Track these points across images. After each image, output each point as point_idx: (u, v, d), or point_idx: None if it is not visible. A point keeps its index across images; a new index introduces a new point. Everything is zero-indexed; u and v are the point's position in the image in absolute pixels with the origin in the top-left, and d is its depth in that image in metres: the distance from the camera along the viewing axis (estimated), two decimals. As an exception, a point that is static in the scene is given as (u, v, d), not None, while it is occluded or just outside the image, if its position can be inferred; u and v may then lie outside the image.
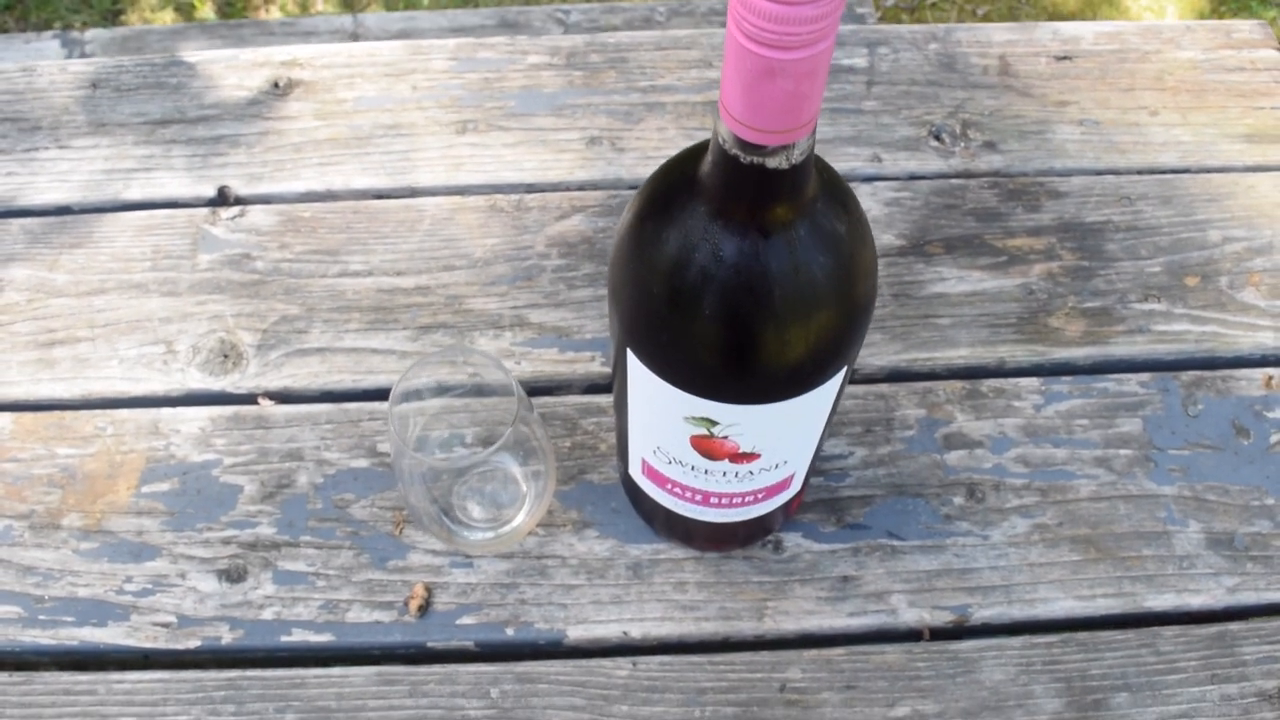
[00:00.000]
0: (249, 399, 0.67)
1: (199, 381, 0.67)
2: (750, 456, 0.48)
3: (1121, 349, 0.68)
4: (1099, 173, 0.76)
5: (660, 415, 0.47)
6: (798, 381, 0.43)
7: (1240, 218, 0.73)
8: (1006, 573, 0.60)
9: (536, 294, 0.71)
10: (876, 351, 0.68)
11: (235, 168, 0.77)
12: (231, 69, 0.82)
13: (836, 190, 0.41)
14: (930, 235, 0.73)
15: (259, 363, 0.68)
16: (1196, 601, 0.59)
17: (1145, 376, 0.67)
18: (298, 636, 0.59)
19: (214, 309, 0.70)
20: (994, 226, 0.73)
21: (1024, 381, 0.67)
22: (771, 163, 0.37)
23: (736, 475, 0.50)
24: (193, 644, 0.59)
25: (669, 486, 0.53)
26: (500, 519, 0.61)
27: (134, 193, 0.75)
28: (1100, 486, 0.63)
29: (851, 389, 0.67)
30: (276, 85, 0.81)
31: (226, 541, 0.62)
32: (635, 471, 0.56)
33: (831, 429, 0.65)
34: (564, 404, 0.67)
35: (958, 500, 0.63)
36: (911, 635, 0.59)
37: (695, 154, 0.41)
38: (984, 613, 0.59)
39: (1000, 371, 0.68)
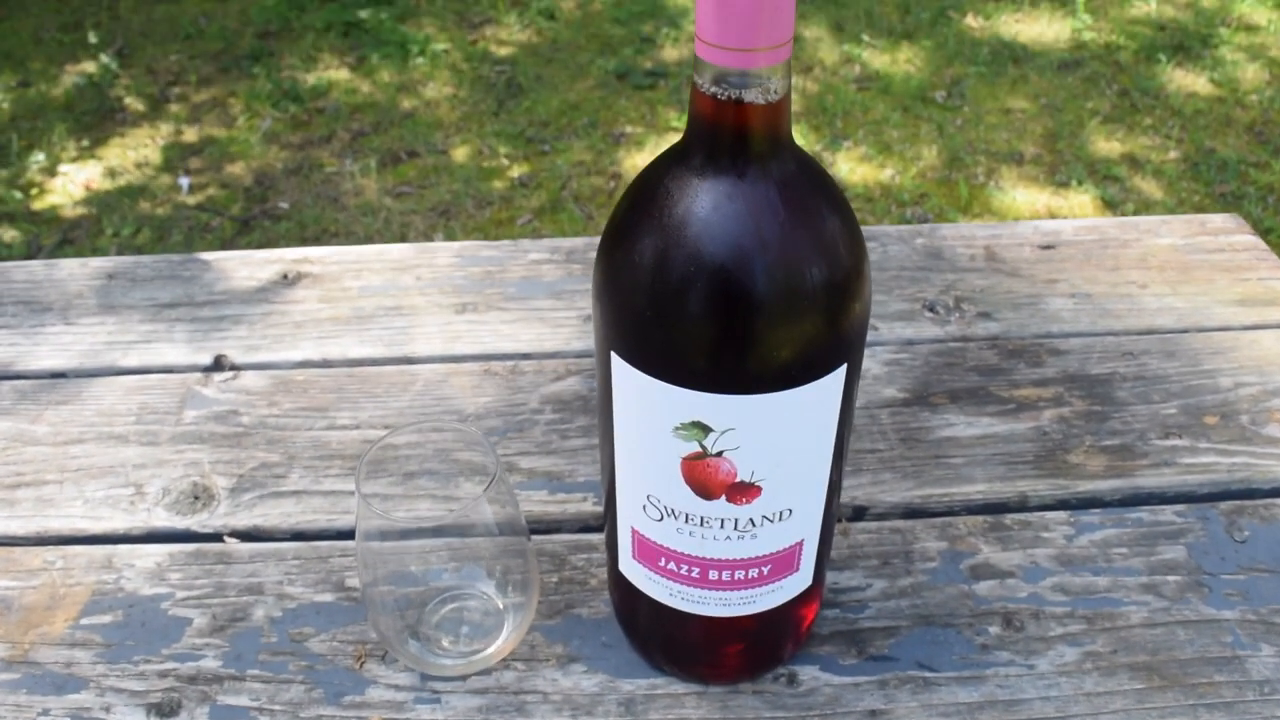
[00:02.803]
0: (214, 537, 0.62)
1: (164, 520, 0.63)
2: (750, 490, 0.43)
3: (1149, 480, 0.64)
4: (1097, 334, 0.76)
5: (649, 437, 0.43)
6: (790, 363, 0.40)
7: (1249, 366, 0.72)
8: (1061, 703, 0.52)
9: (528, 443, 0.68)
10: (887, 489, 0.64)
11: (235, 340, 0.77)
12: (244, 264, 0.85)
13: (813, 164, 0.41)
14: (933, 389, 0.71)
15: (230, 504, 0.64)
16: (1289, 730, 0.51)
17: (1180, 507, 0.62)
18: (229, 779, 0.50)
19: (192, 456, 0.67)
20: (998, 379, 0.72)
21: (1050, 515, 0.62)
22: (749, 95, 0.37)
23: (736, 527, 0.45)
24: (104, 791, 0.50)
25: (663, 562, 0.48)
26: (473, 650, 0.54)
27: (131, 360, 0.75)
28: (1152, 613, 0.56)
29: (864, 525, 0.62)
30: (285, 276, 0.84)
31: (164, 674, 0.54)
32: (625, 560, 0.50)
33: (846, 562, 0.60)
34: (552, 541, 0.62)
35: (994, 629, 0.56)
36: (956, 776, 0.50)
37: (675, 146, 0.41)
38: (1039, 747, 0.50)
39: (1024, 507, 0.63)
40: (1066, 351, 0.74)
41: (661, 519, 0.46)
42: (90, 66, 2.58)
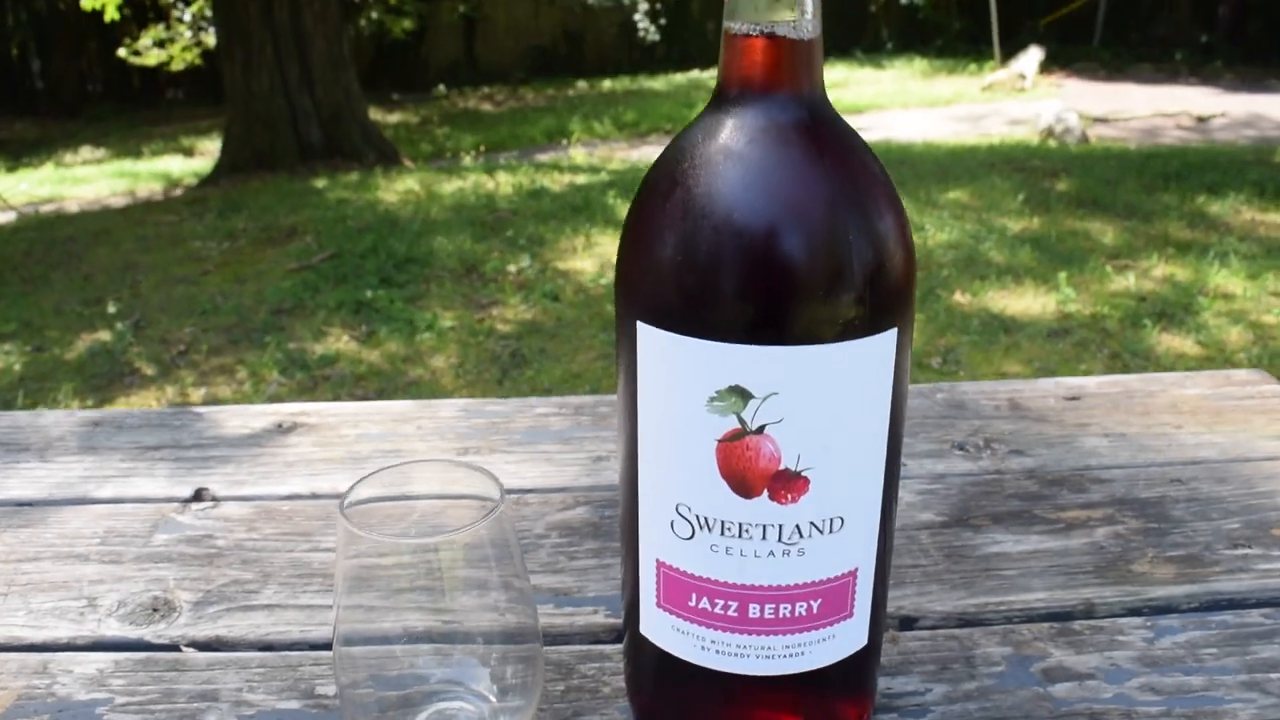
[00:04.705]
0: (171, 648, 0.54)
1: (115, 630, 0.55)
2: (796, 483, 0.38)
3: (1227, 585, 0.57)
4: (1140, 466, 0.71)
5: (681, 419, 0.38)
6: (837, 304, 0.36)
7: (1310, 488, 0.67)
8: (1175, 806, 0.43)
9: (533, 564, 0.62)
10: (936, 599, 0.57)
11: (220, 476, 0.72)
12: (238, 415, 0.82)
13: (843, 121, 0.40)
14: (973, 513, 0.66)
15: (192, 615, 0.56)
16: None
17: (1267, 610, 0.55)
18: None
19: (156, 574, 0.60)
20: (1042, 504, 0.66)
21: (1123, 620, 0.55)
22: (781, 29, 0.36)
23: (780, 538, 0.39)
24: None
25: (694, 601, 0.41)
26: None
27: (105, 492, 0.70)
28: (1262, 710, 0.48)
29: (915, 633, 0.54)
30: (280, 425, 0.80)
31: (87, 782, 0.45)
32: (649, 615, 0.43)
33: (898, 668, 0.52)
34: (559, 652, 0.54)
35: (1079, 731, 0.47)
36: None
37: (704, 109, 0.40)
38: None
39: (1091, 614, 0.56)
40: (1110, 480, 0.69)
41: (693, 535, 0.40)
42: (106, 335, 2.66)
